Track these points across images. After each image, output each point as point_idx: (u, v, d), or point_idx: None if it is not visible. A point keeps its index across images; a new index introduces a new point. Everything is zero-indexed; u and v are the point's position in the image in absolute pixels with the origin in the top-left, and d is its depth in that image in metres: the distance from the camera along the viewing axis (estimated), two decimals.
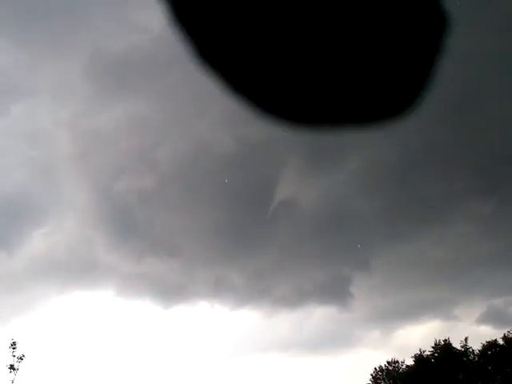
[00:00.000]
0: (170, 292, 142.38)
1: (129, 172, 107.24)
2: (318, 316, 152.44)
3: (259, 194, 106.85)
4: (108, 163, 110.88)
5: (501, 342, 42.54)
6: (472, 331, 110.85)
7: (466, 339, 44.13)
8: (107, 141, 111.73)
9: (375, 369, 50.50)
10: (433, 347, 45.34)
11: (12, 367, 15.00)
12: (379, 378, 49.87)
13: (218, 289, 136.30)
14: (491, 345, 43.26)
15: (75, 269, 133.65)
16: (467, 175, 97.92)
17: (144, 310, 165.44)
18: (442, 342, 44.91)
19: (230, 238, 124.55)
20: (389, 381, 49.05)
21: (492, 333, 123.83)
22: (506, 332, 43.11)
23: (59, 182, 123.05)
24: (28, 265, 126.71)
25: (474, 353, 43.69)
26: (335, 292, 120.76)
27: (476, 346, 43.84)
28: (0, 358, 15.98)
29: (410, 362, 47.19)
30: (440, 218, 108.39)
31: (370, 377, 50.46)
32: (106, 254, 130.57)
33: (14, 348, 15.36)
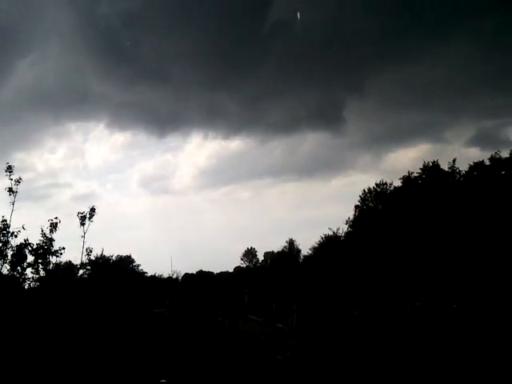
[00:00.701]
0: (164, 121, 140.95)
1: None
2: (311, 142, 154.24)
3: (252, 11, 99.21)
4: None
5: (488, 163, 43.21)
6: (461, 154, 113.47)
7: (453, 161, 44.91)
8: None
9: (364, 190, 52.67)
10: (421, 169, 46.37)
11: (11, 190, 15.67)
12: (367, 199, 52.26)
13: (212, 116, 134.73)
14: (477, 165, 44.03)
15: (67, 99, 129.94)
16: None
17: (138, 140, 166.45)
18: (431, 164, 45.83)
19: (222, 63, 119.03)
20: (376, 201, 51.44)
21: (480, 155, 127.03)
22: (493, 153, 43.43)
23: (38, 5, 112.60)
24: (18, 96, 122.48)
25: (460, 173, 44.76)
26: (328, 117, 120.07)
27: (464, 168, 44.76)
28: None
29: (398, 184, 48.82)
30: (439, 37, 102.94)
31: (359, 198, 52.92)
32: (97, 83, 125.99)
33: (10, 172, 15.85)
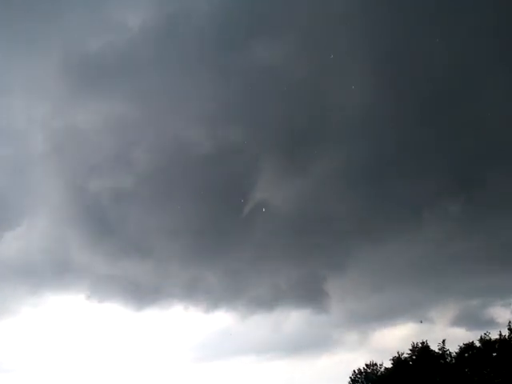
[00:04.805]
0: (144, 294, 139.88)
1: (104, 171, 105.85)
2: (295, 318, 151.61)
3: (234, 194, 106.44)
4: (83, 162, 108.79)
5: (477, 344, 42.96)
6: (446, 333, 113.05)
7: (443, 342, 44.64)
8: (82, 140, 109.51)
9: (354, 371, 50.66)
10: (410, 350, 45.63)
11: None
12: (358, 381, 50.05)
13: (193, 290, 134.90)
14: (468, 347, 43.60)
15: (48, 270, 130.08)
16: (440, 175, 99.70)
17: (116, 313, 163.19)
18: (420, 345, 45.20)
19: (205, 238, 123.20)
20: (367, 383, 49.26)
21: (466, 335, 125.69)
22: (482, 334, 43.44)
23: (33, 180, 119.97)
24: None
25: (451, 355, 44.04)
26: (311, 293, 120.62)
27: (451, 347, 44.30)
28: None
29: (388, 364, 47.47)
30: (413, 218, 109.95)
31: (349, 379, 50.71)
32: (80, 255, 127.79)
33: None
